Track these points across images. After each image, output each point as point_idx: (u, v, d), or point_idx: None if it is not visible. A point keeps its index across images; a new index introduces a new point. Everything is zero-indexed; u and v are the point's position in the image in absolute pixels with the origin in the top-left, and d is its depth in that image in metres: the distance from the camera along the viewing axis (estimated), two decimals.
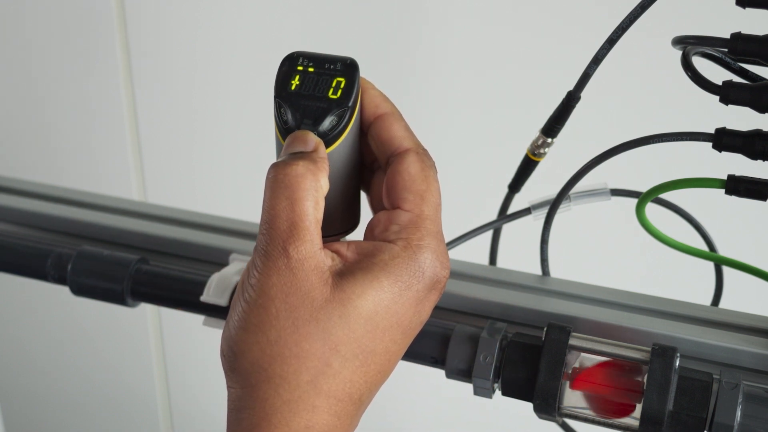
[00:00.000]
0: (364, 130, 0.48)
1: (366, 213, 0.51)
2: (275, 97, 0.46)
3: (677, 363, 0.49)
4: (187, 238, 0.69)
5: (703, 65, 0.48)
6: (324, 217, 0.44)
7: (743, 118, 0.52)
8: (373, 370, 0.44)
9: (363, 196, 0.51)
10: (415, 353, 0.55)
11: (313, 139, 0.45)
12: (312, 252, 0.43)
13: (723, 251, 0.64)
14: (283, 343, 0.42)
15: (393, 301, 0.43)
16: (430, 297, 0.45)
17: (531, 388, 0.51)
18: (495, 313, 0.59)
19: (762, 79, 0.48)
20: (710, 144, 0.50)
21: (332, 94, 0.46)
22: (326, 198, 0.45)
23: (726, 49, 0.48)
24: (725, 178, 0.50)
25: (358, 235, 0.52)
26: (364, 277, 0.43)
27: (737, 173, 0.50)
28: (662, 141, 0.52)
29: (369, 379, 0.44)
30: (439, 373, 0.56)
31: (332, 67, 0.46)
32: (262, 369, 0.42)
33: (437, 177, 0.47)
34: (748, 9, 0.46)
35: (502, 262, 0.72)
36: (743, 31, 0.47)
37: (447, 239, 0.54)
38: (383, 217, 0.46)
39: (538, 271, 0.65)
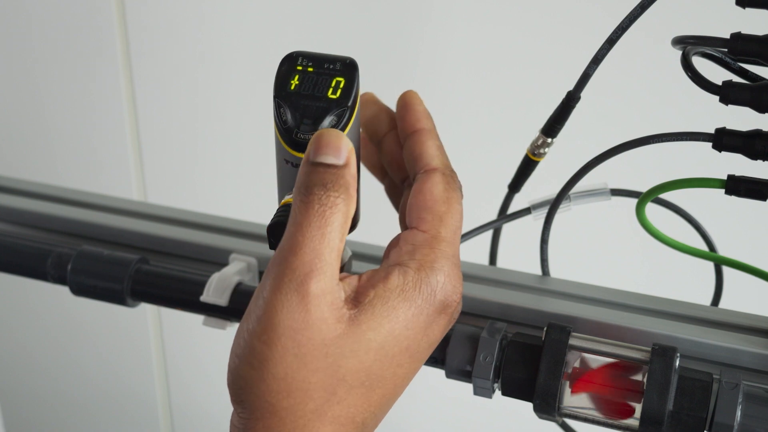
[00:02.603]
0: (401, 144, 0.48)
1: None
2: (274, 97, 0.46)
3: (677, 363, 0.49)
4: (187, 238, 0.69)
5: (703, 65, 0.48)
6: None
7: (743, 118, 0.52)
8: (377, 395, 0.43)
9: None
10: None
11: (346, 148, 0.43)
12: (330, 287, 0.41)
13: (723, 251, 0.64)
14: (290, 379, 0.41)
15: (405, 327, 0.43)
16: (438, 320, 0.44)
17: (531, 388, 0.51)
18: (495, 313, 0.59)
19: (762, 79, 0.48)
20: (710, 144, 0.50)
21: (332, 93, 0.46)
22: None
23: (726, 49, 0.48)
24: (725, 178, 0.50)
25: (359, 235, 0.52)
26: (382, 308, 0.42)
27: (737, 173, 0.50)
28: (662, 141, 0.52)
29: (373, 404, 0.43)
30: (439, 373, 0.56)
31: (331, 66, 0.46)
32: (270, 404, 0.41)
33: (461, 201, 0.46)
34: (748, 9, 0.46)
35: (502, 262, 0.72)
36: (743, 31, 0.47)
37: None
38: (400, 237, 0.46)
39: (538, 271, 0.65)
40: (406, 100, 0.48)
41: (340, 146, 0.43)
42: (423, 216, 0.45)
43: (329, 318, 0.41)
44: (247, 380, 0.42)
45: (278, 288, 0.41)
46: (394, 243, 0.46)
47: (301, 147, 0.45)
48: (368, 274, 0.44)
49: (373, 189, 0.60)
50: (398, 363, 0.43)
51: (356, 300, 0.42)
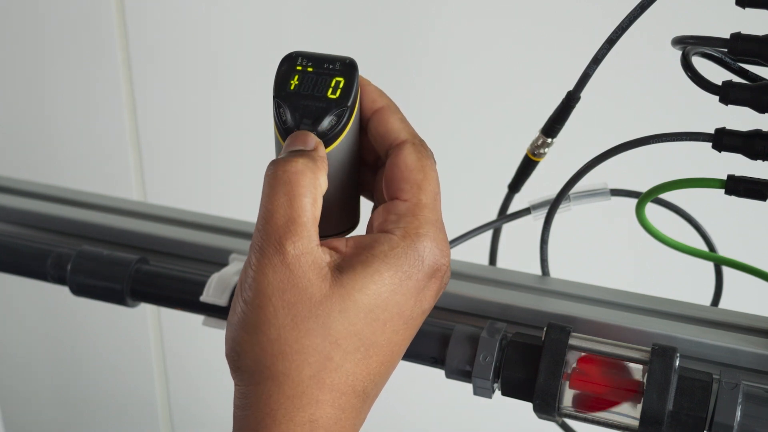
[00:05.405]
0: (363, 126, 0.48)
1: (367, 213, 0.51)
2: (274, 97, 0.46)
3: (677, 363, 0.49)
4: (187, 238, 0.69)
5: (703, 65, 0.48)
6: (323, 216, 0.44)
7: (743, 118, 0.52)
8: (375, 362, 0.44)
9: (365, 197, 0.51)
10: (415, 353, 0.55)
11: (313, 139, 0.45)
12: (309, 248, 0.42)
13: (723, 251, 0.64)
14: (283, 340, 0.42)
15: (393, 291, 0.43)
16: (430, 285, 0.45)
17: (531, 388, 0.51)
18: (495, 313, 0.59)
19: (762, 79, 0.48)
20: (710, 144, 0.49)
21: (331, 93, 0.45)
22: (325, 197, 0.45)
23: (726, 49, 0.48)
24: (725, 178, 0.50)
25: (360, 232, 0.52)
26: (364, 271, 0.43)
27: (737, 173, 0.50)
28: (662, 141, 0.52)
29: (372, 371, 0.44)
30: (439, 373, 0.56)
31: (331, 66, 0.46)
32: (265, 367, 0.42)
33: (435, 167, 0.47)
34: (748, 9, 0.46)
35: (502, 262, 0.72)
36: (743, 31, 0.47)
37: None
38: (382, 209, 0.46)
39: (538, 271, 0.65)
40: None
41: (307, 138, 0.45)
42: (402, 186, 0.46)
43: (312, 276, 0.42)
44: (243, 345, 0.43)
45: (261, 254, 0.42)
46: (377, 215, 0.47)
47: None
48: (354, 239, 0.45)
49: None
50: (393, 329, 0.44)
51: (340, 264, 0.43)
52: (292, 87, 0.46)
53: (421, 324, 0.46)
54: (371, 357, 0.44)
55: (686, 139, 0.51)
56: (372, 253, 0.44)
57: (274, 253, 0.42)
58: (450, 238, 0.60)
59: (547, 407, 0.51)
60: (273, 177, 0.43)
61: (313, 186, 0.43)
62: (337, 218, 0.48)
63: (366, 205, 0.52)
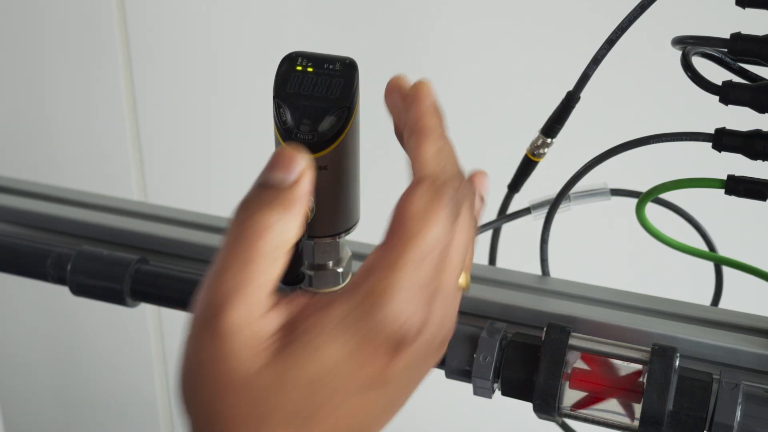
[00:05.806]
0: (403, 144, 0.44)
1: (369, 213, 0.51)
2: (274, 97, 0.46)
3: (677, 363, 0.49)
4: (187, 238, 0.69)
5: (703, 65, 0.48)
6: (320, 218, 0.44)
7: (743, 118, 0.52)
8: None
9: (376, 205, 0.51)
10: None
11: (298, 166, 0.39)
12: (249, 319, 0.37)
13: (723, 251, 0.64)
14: (209, 410, 0.38)
15: (338, 364, 0.38)
16: (385, 359, 0.38)
17: (531, 388, 0.51)
18: (495, 313, 0.59)
19: (762, 79, 0.48)
20: (710, 144, 0.50)
21: (331, 94, 0.45)
22: (323, 199, 0.44)
23: (726, 49, 0.48)
24: (725, 178, 0.50)
25: (360, 235, 0.52)
26: (310, 343, 0.37)
27: (737, 173, 0.50)
28: (662, 141, 0.52)
29: None
30: (439, 373, 0.56)
31: (331, 67, 0.46)
32: (198, 429, 0.39)
33: (453, 219, 0.39)
34: (748, 9, 0.46)
35: (501, 262, 0.72)
36: (743, 31, 0.47)
37: None
38: (373, 251, 0.40)
39: (538, 271, 0.65)
40: (413, 94, 0.44)
41: (291, 164, 0.40)
42: (393, 230, 0.39)
43: (244, 354, 0.37)
44: (180, 403, 0.40)
45: (192, 320, 0.38)
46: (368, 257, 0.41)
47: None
48: (315, 299, 0.40)
49: (373, 188, 0.60)
50: (335, 403, 0.38)
51: (289, 328, 0.38)
52: (292, 87, 0.46)
53: (386, 396, 0.41)
54: (306, 430, 0.38)
55: (686, 139, 0.51)
56: (323, 320, 0.38)
57: (201, 326, 0.37)
58: None
59: (547, 407, 0.51)
60: (237, 227, 0.38)
61: (281, 241, 0.38)
62: (334, 220, 0.48)
63: (368, 208, 0.52)
